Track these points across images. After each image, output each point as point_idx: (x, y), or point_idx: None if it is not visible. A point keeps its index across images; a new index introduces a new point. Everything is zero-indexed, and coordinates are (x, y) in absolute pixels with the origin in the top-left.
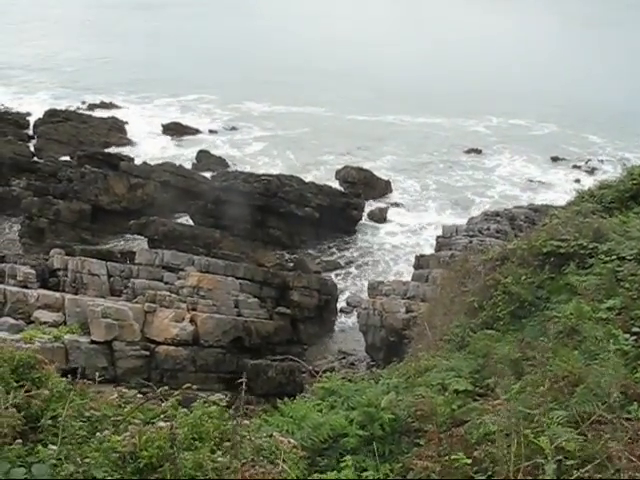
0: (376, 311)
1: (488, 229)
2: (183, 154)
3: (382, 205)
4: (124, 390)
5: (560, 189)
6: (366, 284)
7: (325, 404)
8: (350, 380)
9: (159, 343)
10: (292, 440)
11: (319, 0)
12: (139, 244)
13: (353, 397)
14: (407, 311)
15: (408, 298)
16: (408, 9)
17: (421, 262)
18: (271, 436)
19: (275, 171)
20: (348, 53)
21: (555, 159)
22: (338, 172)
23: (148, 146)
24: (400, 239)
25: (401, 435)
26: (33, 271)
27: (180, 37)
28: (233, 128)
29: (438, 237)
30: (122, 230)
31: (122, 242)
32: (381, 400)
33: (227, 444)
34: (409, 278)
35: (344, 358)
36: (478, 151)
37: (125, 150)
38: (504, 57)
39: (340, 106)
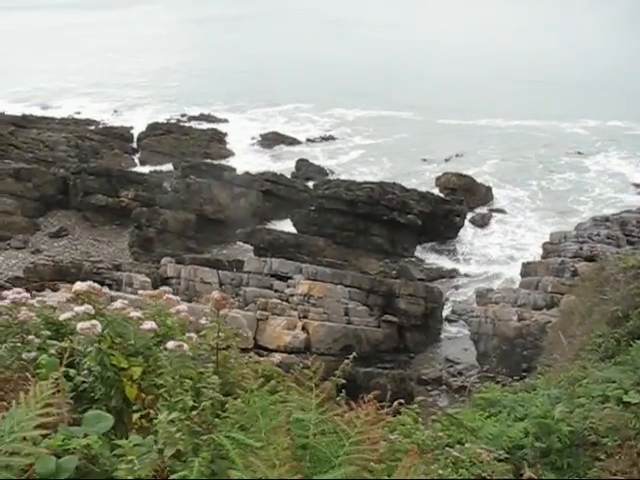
0: (488, 319)
1: (598, 235)
2: (282, 163)
3: (484, 212)
4: None
5: None
6: (470, 291)
7: (491, 415)
8: (507, 390)
9: (271, 350)
10: (486, 451)
11: (404, 7)
12: (242, 252)
13: (518, 408)
14: (519, 319)
15: (519, 306)
16: (480, 12)
17: (528, 269)
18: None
19: (373, 179)
20: (430, 57)
21: None
22: (438, 179)
23: (248, 156)
24: (503, 246)
25: (578, 448)
26: (148, 279)
27: (270, 47)
28: (330, 137)
29: (545, 243)
30: (224, 239)
31: (225, 251)
32: (553, 412)
33: (427, 456)
34: (514, 285)
35: (451, 367)
36: (579, 154)
37: (225, 160)
38: (577, 54)
39: (429, 110)
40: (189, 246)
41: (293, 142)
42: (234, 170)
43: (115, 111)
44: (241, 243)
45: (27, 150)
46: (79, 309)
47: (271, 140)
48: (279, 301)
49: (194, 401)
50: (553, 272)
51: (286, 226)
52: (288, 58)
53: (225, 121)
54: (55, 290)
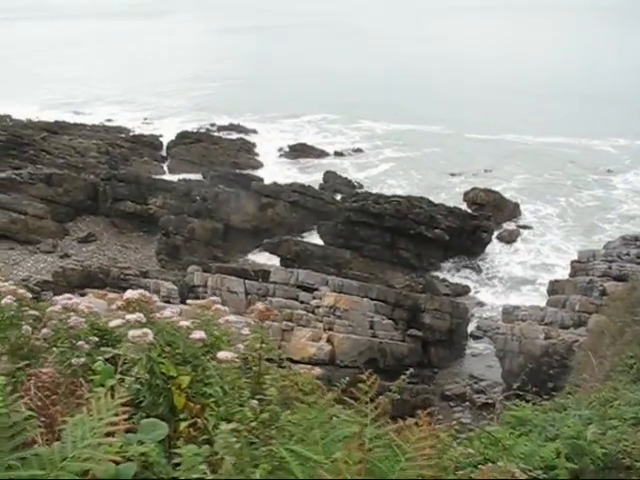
0: (514, 337)
1: (628, 254)
2: (310, 175)
3: (511, 228)
4: None
5: None
6: (495, 308)
7: (522, 434)
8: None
9: (295, 362)
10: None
11: (432, 21)
12: (266, 262)
13: (549, 427)
14: (546, 337)
15: (546, 324)
16: (507, 26)
17: (555, 287)
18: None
19: (402, 193)
20: (457, 70)
21: None
22: (466, 194)
23: (275, 167)
24: (529, 263)
25: (611, 471)
26: (175, 287)
27: (297, 57)
28: (359, 150)
29: (573, 262)
30: (249, 248)
31: (250, 260)
32: (586, 433)
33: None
34: (540, 303)
35: (476, 383)
36: (609, 172)
37: (253, 170)
38: (608, 69)
39: (457, 124)
40: (215, 255)
41: (321, 154)
42: (262, 180)
43: (145, 119)
44: (267, 253)
45: (58, 156)
46: (131, 317)
47: (299, 151)
48: (305, 312)
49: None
50: (581, 291)
51: (312, 238)
52: (315, 69)
53: (254, 131)
54: (83, 295)
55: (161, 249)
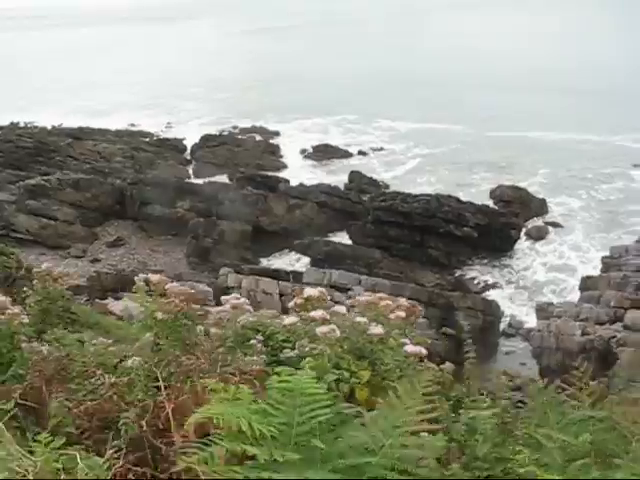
0: (551, 333)
1: None
2: (335, 175)
3: (539, 224)
4: None
5: None
6: (525, 305)
7: None
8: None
9: None
10: None
11: (451, 18)
12: (295, 263)
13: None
14: (583, 334)
15: (581, 320)
16: (524, 21)
17: (588, 283)
18: None
19: (428, 191)
20: (466, 69)
21: None
22: (493, 191)
23: (300, 168)
24: (559, 259)
25: None
26: (211, 289)
27: (309, 58)
28: (381, 148)
29: (604, 257)
30: (278, 249)
31: (280, 261)
32: None
33: None
34: (571, 299)
35: (510, 381)
36: (635, 166)
37: (278, 172)
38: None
39: (476, 123)
40: (245, 257)
41: (345, 154)
42: (288, 182)
43: (168, 123)
44: (294, 254)
45: (85, 161)
46: (316, 314)
47: (323, 152)
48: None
49: None
50: (614, 286)
51: (339, 238)
52: (329, 69)
53: (276, 133)
54: (117, 299)
55: (191, 252)
